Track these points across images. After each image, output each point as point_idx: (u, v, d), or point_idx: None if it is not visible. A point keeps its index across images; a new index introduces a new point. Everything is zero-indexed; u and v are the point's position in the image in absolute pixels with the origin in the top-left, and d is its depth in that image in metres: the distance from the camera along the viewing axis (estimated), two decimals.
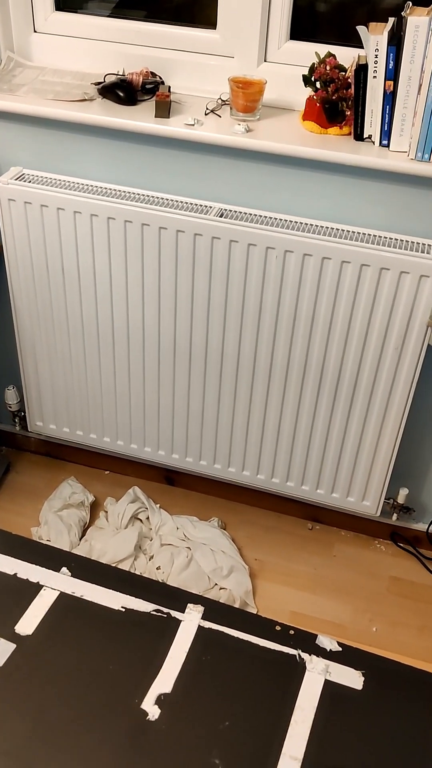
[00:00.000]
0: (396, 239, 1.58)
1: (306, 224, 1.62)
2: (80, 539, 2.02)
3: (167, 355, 1.82)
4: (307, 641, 1.08)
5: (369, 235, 1.59)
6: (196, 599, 1.13)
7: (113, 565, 1.92)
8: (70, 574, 1.15)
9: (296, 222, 1.62)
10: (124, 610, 1.11)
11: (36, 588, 1.13)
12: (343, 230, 1.60)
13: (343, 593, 1.96)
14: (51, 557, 1.17)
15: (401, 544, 2.10)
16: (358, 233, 1.59)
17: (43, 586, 1.13)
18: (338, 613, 1.92)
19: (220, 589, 1.92)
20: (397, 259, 1.52)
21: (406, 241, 1.57)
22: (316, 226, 1.61)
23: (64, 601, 1.11)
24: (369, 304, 1.60)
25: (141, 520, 2.08)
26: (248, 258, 1.61)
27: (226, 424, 1.89)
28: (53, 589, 1.13)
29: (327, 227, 1.61)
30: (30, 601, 1.11)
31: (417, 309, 1.57)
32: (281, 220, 1.63)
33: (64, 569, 1.16)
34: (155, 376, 1.87)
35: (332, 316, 1.64)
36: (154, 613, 1.10)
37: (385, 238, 1.59)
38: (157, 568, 1.94)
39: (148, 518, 2.08)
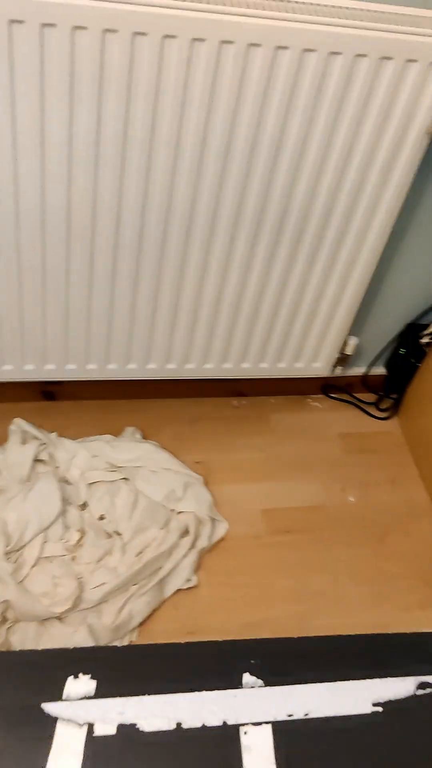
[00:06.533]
0: (396, 13, 1.13)
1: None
2: None
3: (29, 215, 1.22)
4: None
5: (365, 10, 1.12)
6: None
7: (41, 535, 1.39)
8: None
9: None
10: None
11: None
12: (328, 5, 1.10)
13: (302, 470, 1.69)
14: None
15: (334, 395, 1.85)
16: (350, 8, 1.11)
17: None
18: (309, 494, 1.65)
19: (179, 513, 1.52)
20: (402, 40, 1.09)
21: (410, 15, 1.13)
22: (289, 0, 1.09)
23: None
24: (359, 107, 1.17)
25: (44, 461, 1.53)
26: (191, 55, 1.05)
27: (123, 307, 1.39)
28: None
29: (306, 1, 1.09)
30: None
31: (418, 110, 1.19)
32: None
33: None
34: (12, 247, 1.27)
35: (308, 127, 1.18)
36: None
37: (384, 13, 1.13)
38: (100, 518, 1.46)
39: (51, 456, 1.54)
